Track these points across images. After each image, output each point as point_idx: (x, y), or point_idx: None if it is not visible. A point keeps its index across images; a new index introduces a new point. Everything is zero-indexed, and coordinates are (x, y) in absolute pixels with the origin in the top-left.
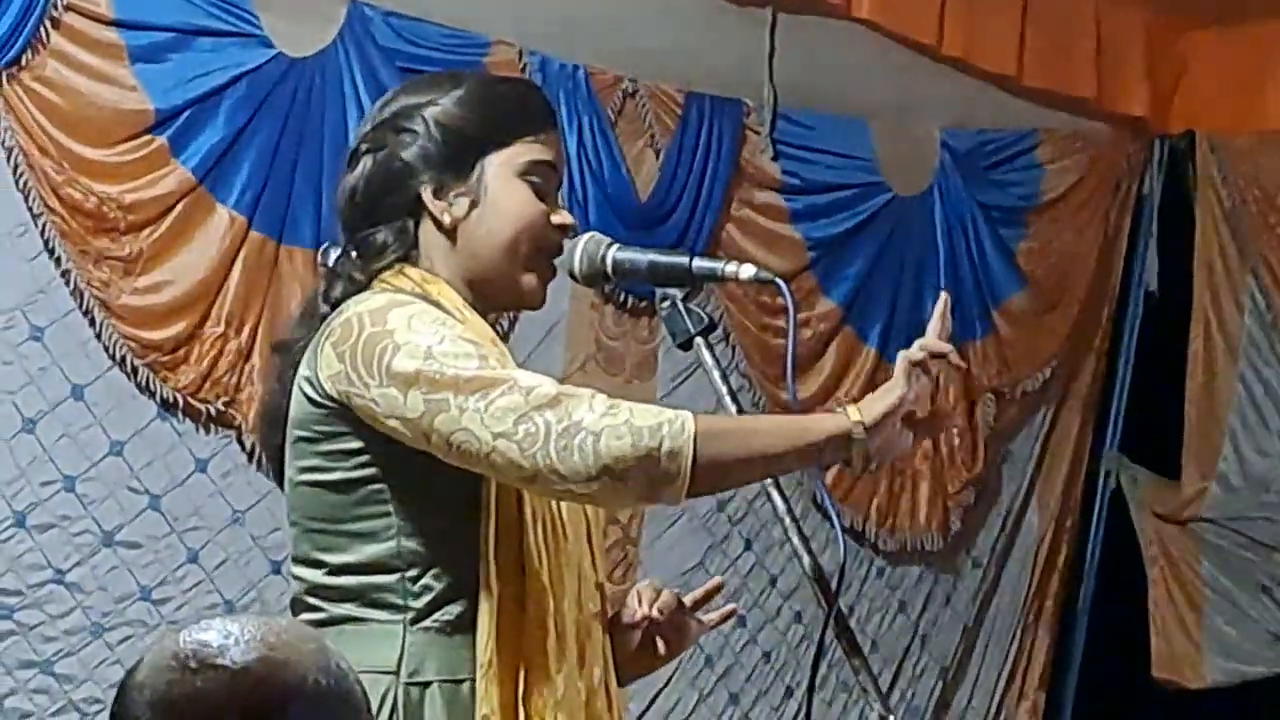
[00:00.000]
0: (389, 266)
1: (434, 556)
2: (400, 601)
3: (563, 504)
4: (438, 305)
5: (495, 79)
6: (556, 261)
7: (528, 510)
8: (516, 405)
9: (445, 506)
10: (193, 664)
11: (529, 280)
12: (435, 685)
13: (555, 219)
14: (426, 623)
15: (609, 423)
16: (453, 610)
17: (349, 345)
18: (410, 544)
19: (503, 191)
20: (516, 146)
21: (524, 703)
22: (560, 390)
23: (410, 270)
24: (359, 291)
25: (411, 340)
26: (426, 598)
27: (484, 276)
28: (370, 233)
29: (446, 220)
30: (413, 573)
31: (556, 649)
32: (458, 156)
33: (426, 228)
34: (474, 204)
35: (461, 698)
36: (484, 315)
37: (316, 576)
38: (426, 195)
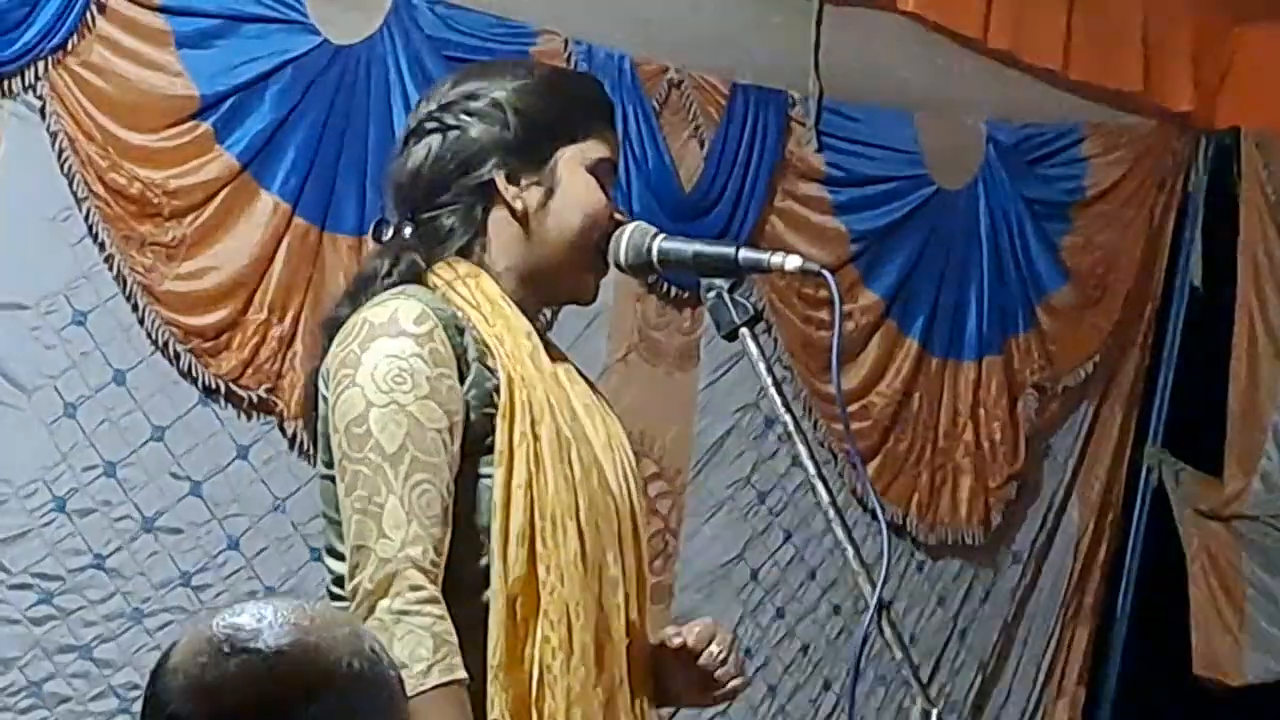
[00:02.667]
0: (450, 253)
1: (446, 557)
2: None
3: (583, 502)
4: (457, 308)
5: (565, 72)
6: None
7: (536, 512)
8: (366, 538)
9: (455, 507)
10: (227, 648)
11: (588, 277)
12: None
13: (617, 216)
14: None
15: (387, 622)
16: (464, 610)
17: (337, 349)
18: None
19: (575, 184)
20: (588, 142)
21: (536, 705)
22: (399, 564)
23: (458, 263)
24: (415, 278)
25: (360, 389)
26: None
27: (546, 268)
28: (435, 215)
29: (519, 207)
30: None
31: (569, 649)
32: (534, 144)
33: (497, 214)
34: (548, 194)
35: (474, 697)
36: (533, 308)
37: (340, 568)
38: (500, 181)
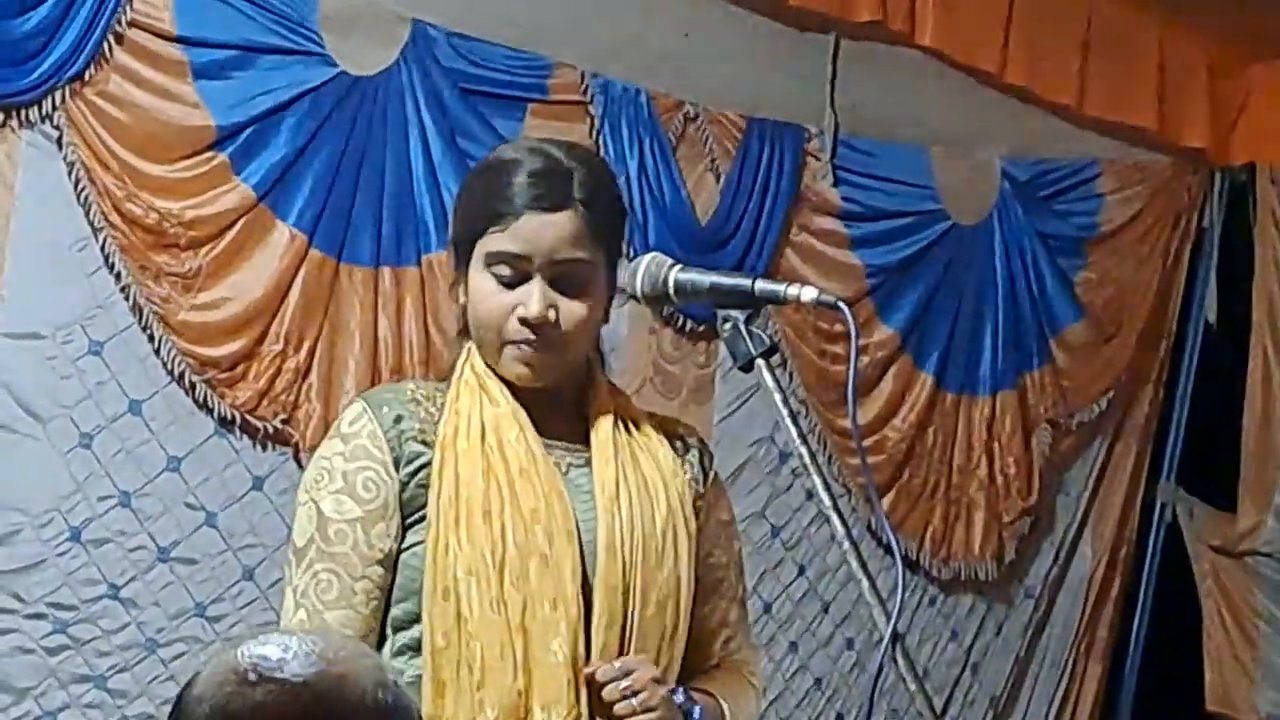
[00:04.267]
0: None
1: (398, 614)
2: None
3: (511, 551)
4: (437, 387)
5: (512, 154)
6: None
7: (459, 569)
8: (289, 610)
9: (397, 577)
10: (251, 677)
11: (506, 364)
12: None
13: (520, 311)
14: (408, 675)
15: None
16: (418, 662)
17: None
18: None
19: (474, 285)
20: (486, 238)
21: None
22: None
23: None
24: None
25: (297, 494)
26: (404, 654)
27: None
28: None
29: (456, 302)
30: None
31: (483, 692)
32: (460, 241)
33: None
34: (464, 292)
35: None
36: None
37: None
38: (453, 276)
